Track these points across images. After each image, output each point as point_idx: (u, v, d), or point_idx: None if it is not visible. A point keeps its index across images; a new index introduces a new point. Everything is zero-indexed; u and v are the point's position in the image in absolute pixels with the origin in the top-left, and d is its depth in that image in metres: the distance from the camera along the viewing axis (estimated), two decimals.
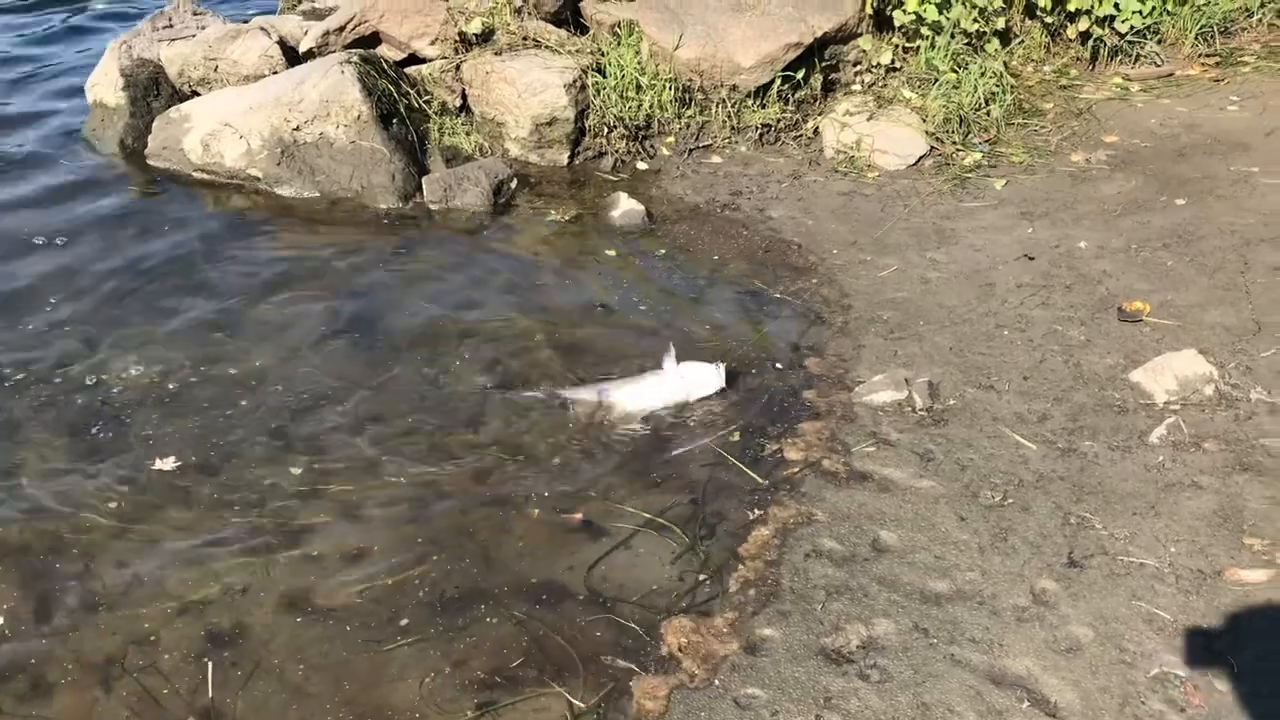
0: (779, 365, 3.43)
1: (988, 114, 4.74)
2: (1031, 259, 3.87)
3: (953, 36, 4.96)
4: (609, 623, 2.48)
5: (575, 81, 4.84)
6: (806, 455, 3.02)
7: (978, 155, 4.60)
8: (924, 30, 4.93)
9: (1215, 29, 5.19)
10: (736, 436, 3.10)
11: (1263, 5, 5.32)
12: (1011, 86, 4.98)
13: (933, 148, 4.64)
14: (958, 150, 4.63)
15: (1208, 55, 5.15)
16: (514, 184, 4.63)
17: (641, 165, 4.87)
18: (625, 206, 4.42)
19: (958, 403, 3.20)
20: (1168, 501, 2.74)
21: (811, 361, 3.44)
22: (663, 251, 4.13)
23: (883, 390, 3.28)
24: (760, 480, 2.91)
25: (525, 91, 4.82)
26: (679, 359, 3.25)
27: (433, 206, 4.52)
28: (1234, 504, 2.70)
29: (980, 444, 3.02)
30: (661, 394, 3.23)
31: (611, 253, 4.13)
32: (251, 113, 4.72)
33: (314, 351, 3.49)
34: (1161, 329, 3.41)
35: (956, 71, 4.82)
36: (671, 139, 4.98)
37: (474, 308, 3.73)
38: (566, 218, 4.38)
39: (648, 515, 2.79)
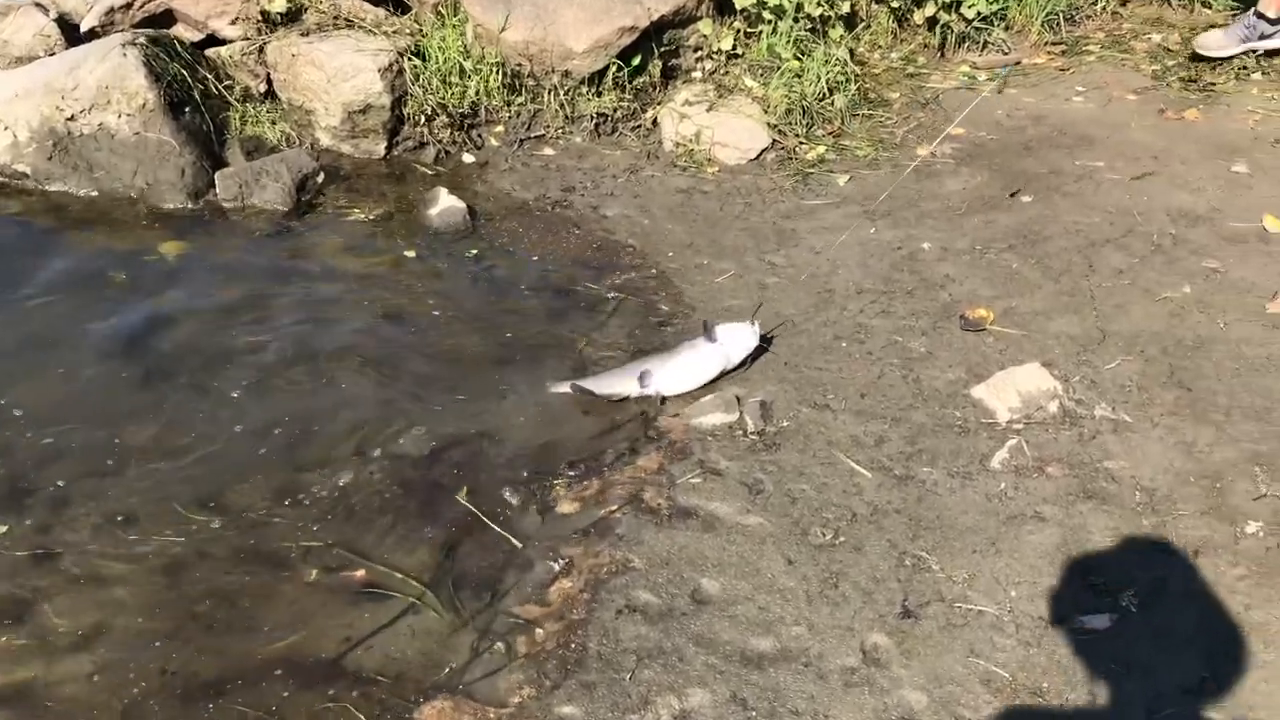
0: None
1: (831, 104, 4.49)
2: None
3: (796, 21, 4.70)
4: (371, 706, 2.12)
5: (392, 65, 4.43)
6: (628, 489, 2.71)
7: (821, 149, 4.35)
8: (766, 14, 4.66)
9: (1061, 16, 5.05)
10: (557, 473, 2.77)
11: None
12: (857, 75, 4.76)
13: (775, 140, 4.38)
14: (801, 143, 4.37)
15: (1054, 43, 5.02)
16: (321, 178, 4.20)
17: (468, 157, 4.48)
18: (444, 204, 4.04)
19: (791, 424, 2.94)
20: (1009, 537, 2.52)
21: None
22: (474, 253, 3.77)
23: (713, 412, 3.00)
24: (567, 524, 2.59)
25: (335, 76, 4.38)
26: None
27: (226, 205, 4.06)
28: (1077, 537, 2.50)
29: (813, 472, 2.76)
30: (707, 367, 3.05)
31: (411, 254, 3.74)
32: (18, 100, 4.17)
33: (67, 379, 3.03)
34: (1005, 339, 3.20)
35: (800, 59, 4.57)
36: (501, 128, 4.61)
37: (259, 325, 3.31)
38: (374, 216, 3.98)
39: (433, 573, 2.44)
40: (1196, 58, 4.76)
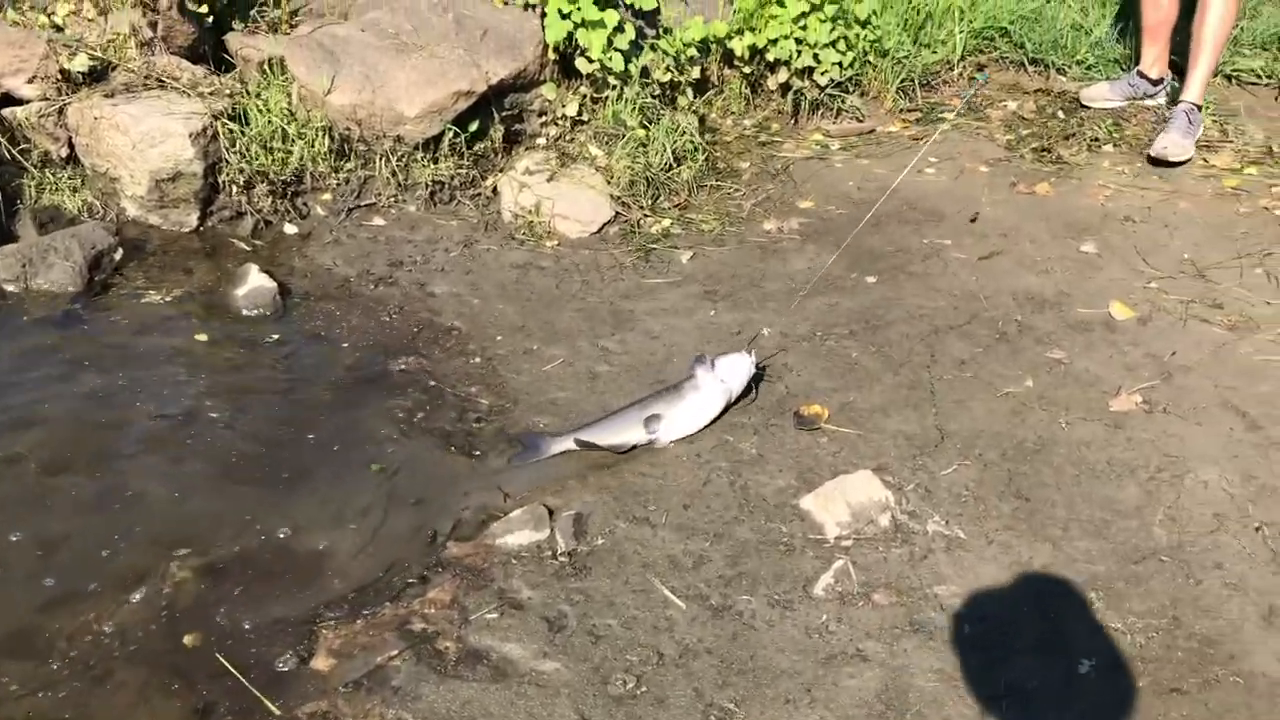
0: (414, 500, 2.81)
1: (678, 175, 4.29)
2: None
3: (645, 86, 4.50)
4: None
5: (205, 129, 4.10)
6: (415, 628, 2.40)
7: (666, 222, 4.13)
8: (611, 80, 4.44)
9: (916, 82, 4.94)
10: (334, 611, 2.45)
11: (963, 59, 5.12)
12: (709, 143, 4.56)
13: (619, 213, 4.15)
14: (646, 216, 4.15)
15: (910, 110, 4.90)
16: (119, 255, 3.83)
17: (289, 228, 4.16)
18: (253, 283, 3.71)
19: (606, 542, 2.67)
20: (826, 681, 2.28)
21: (448, 500, 2.83)
22: (276, 338, 3.45)
23: (520, 530, 2.72)
24: (337, 674, 2.28)
25: (142, 141, 4.03)
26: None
27: (8, 288, 3.65)
28: (900, 682, 2.27)
29: (623, 602, 2.49)
30: (713, 406, 2.96)
31: (203, 339, 3.40)
32: None
33: None
34: (840, 439, 2.99)
35: (646, 127, 4.35)
36: (328, 196, 4.30)
37: (19, 427, 2.93)
38: (173, 297, 3.63)
39: None
40: (1082, 106, 4.84)
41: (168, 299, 3.62)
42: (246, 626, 2.39)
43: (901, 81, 4.89)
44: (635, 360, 3.39)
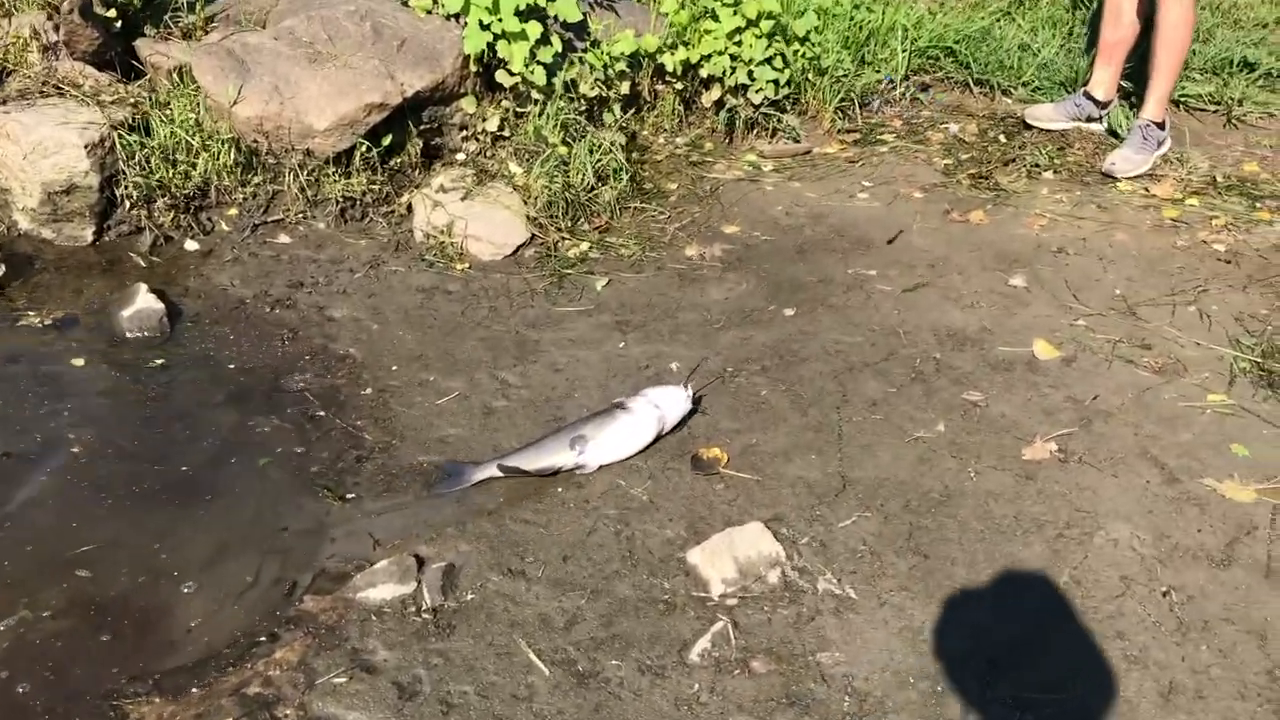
0: (277, 547, 2.63)
1: (600, 196, 4.11)
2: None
3: (573, 100, 4.32)
4: None
5: (103, 140, 3.91)
6: (256, 694, 2.22)
7: (584, 246, 3.96)
8: (535, 94, 4.27)
9: (856, 102, 4.79)
10: (159, 681, 2.26)
11: (906, 79, 4.96)
12: (637, 162, 4.40)
13: (535, 235, 3.97)
14: (564, 239, 3.97)
15: (848, 130, 4.74)
16: (0, 272, 3.62)
17: (191, 244, 3.97)
18: (140, 305, 3.51)
19: (477, 597, 2.50)
20: None
21: (312, 546, 2.65)
22: (160, 362, 3.27)
23: (384, 583, 2.54)
24: None
25: (34, 152, 3.83)
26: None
27: None
28: None
29: (484, 667, 2.31)
30: (644, 433, 2.84)
31: (80, 364, 3.21)
32: None
33: None
34: (738, 485, 2.82)
35: (570, 144, 4.18)
36: (234, 211, 4.11)
37: None
38: (53, 320, 3.43)
39: None
40: (1025, 126, 4.71)
41: (48, 321, 3.43)
42: (60, 693, 2.20)
43: (840, 101, 4.72)
44: (534, 395, 3.21)
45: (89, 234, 3.95)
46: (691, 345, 3.41)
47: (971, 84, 5.12)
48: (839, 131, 4.74)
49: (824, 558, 2.60)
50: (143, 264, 3.85)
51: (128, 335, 3.45)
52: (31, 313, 3.46)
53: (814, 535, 2.66)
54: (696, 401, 3.08)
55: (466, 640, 2.39)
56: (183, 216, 4.06)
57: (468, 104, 4.32)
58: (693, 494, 2.81)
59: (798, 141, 4.65)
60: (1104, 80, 4.62)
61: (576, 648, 2.37)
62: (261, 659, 2.34)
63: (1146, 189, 4.30)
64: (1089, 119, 4.68)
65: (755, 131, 4.68)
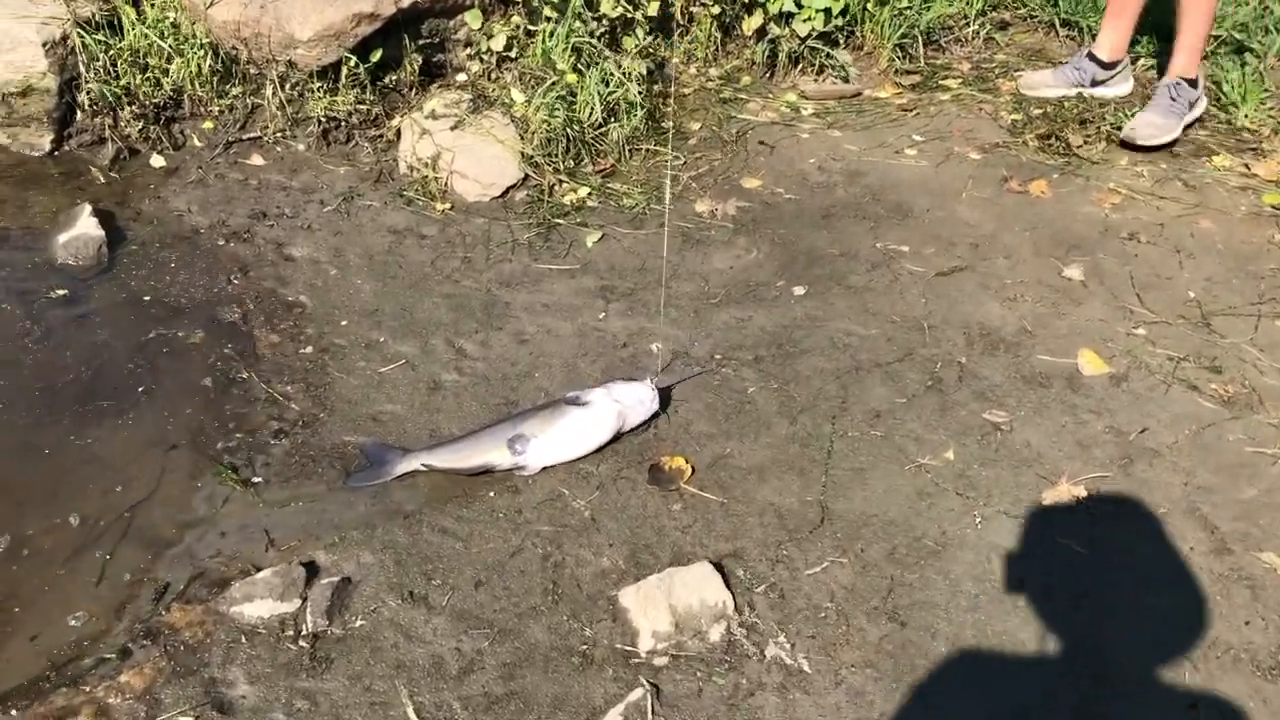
0: (154, 538, 2.29)
1: (609, 134, 3.62)
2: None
3: (597, 20, 3.81)
4: None
5: (64, 39, 3.53)
6: None
7: (583, 192, 3.49)
8: (548, 11, 3.76)
9: (920, 39, 4.18)
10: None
11: (982, 15, 4.33)
12: (658, 95, 3.89)
13: (528, 175, 3.51)
14: (561, 182, 3.51)
15: (909, 72, 4.15)
16: None
17: (157, 160, 3.60)
18: (78, 230, 3.18)
19: (366, 624, 2.13)
20: None
21: (195, 538, 2.31)
22: (63, 293, 2.94)
23: (264, 597, 2.19)
24: None
25: None
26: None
27: None
28: None
29: (352, 718, 1.95)
30: (598, 432, 2.45)
31: None
32: None
33: None
34: (698, 507, 2.40)
35: (580, 72, 3.68)
36: (209, 125, 3.72)
37: None
38: None
39: None
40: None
41: None
42: None
43: (901, 37, 4.12)
44: (490, 370, 2.81)
45: (46, 142, 3.60)
46: (680, 323, 2.96)
47: (1057, 24, 4.46)
48: (896, 73, 4.15)
49: (780, 614, 2.17)
50: (101, 179, 3.51)
51: (58, 261, 3.12)
52: None
53: (774, 582, 2.23)
54: (666, 398, 2.64)
55: (341, 681, 2.03)
56: (152, 128, 3.69)
57: (472, 18, 3.84)
58: (643, 513, 2.39)
59: (846, 81, 4.09)
60: (1110, 40, 3.93)
61: (465, 706, 1.99)
62: (103, 681, 2.00)
63: (1248, 166, 3.66)
64: (1093, 83, 3.99)
65: (800, 67, 4.13)
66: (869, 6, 4.13)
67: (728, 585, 2.20)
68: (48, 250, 3.14)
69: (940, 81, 4.15)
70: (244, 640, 2.10)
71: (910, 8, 4.14)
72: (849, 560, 2.29)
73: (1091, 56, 3.93)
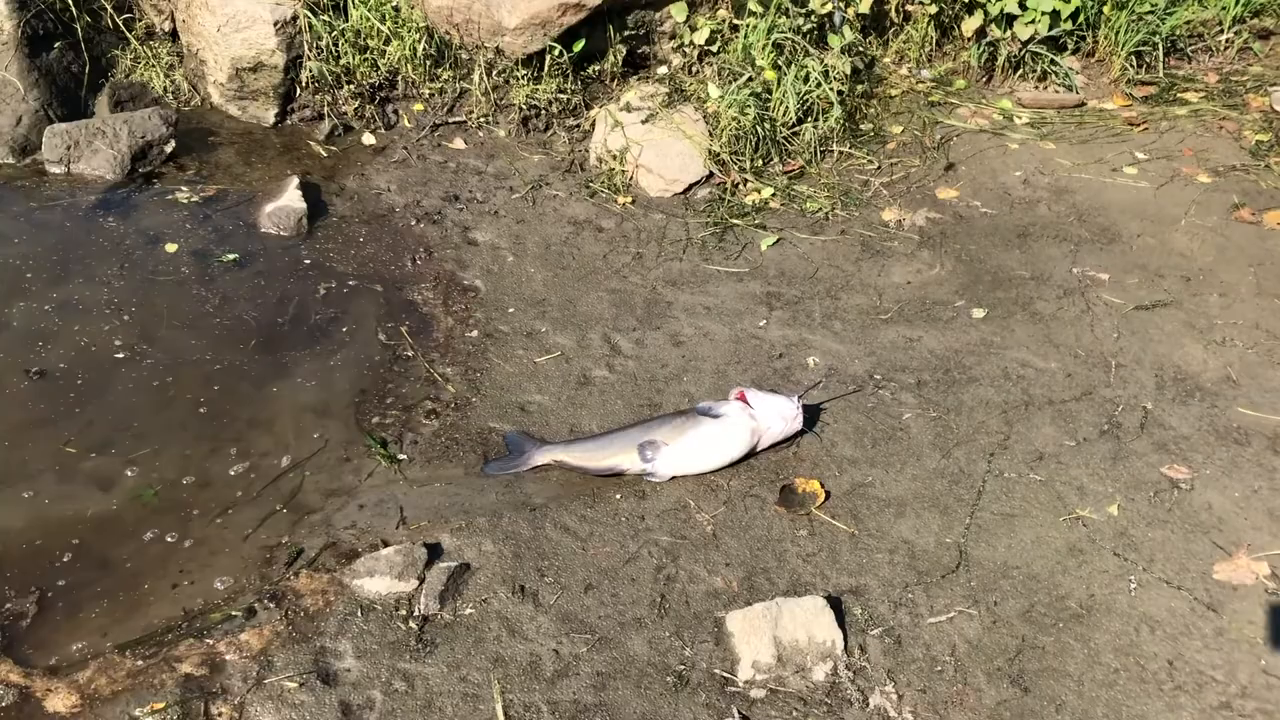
0: (297, 504, 2.42)
1: (802, 134, 3.52)
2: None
3: (806, 15, 3.71)
4: None
5: (294, 18, 3.76)
6: (198, 683, 2.02)
7: (768, 192, 3.41)
8: (754, 5, 3.69)
9: (1162, 46, 3.83)
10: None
11: (1239, 21, 3.92)
12: (862, 96, 3.74)
13: (712, 173, 3.46)
14: (745, 181, 3.44)
15: (1143, 83, 3.82)
16: (169, 147, 3.60)
17: (368, 138, 3.79)
18: (283, 200, 3.38)
19: (476, 613, 2.17)
20: None
21: (336, 508, 2.41)
22: (234, 257, 3.12)
23: (384, 574, 2.26)
24: None
25: (227, 25, 3.76)
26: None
27: (51, 169, 3.51)
28: None
29: (443, 706, 2.01)
30: (731, 447, 2.43)
31: (172, 250, 3.11)
32: None
33: None
34: (825, 535, 2.30)
35: (779, 69, 3.60)
36: (420, 107, 3.87)
37: None
38: (199, 199, 3.36)
39: None
40: None
41: (195, 198, 3.36)
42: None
43: (1138, 44, 3.79)
44: (641, 369, 2.79)
45: (271, 115, 3.85)
46: (844, 337, 2.84)
47: None
48: (1128, 83, 3.82)
49: (893, 661, 2.04)
50: (323, 153, 3.72)
51: (260, 229, 3.33)
52: (185, 189, 3.40)
53: (891, 626, 2.11)
54: (814, 416, 2.54)
55: (440, 667, 2.07)
56: (367, 107, 3.87)
57: (678, 10, 3.81)
58: (767, 535, 2.31)
59: (1070, 90, 3.79)
60: None
61: (552, 710, 1.99)
62: (225, 637, 2.12)
63: None
64: None
65: (1020, 73, 3.87)
66: (1104, 10, 3.81)
67: (841, 623, 2.09)
68: (254, 217, 3.35)
69: (1178, 94, 3.79)
70: (359, 614, 2.17)
71: (1152, 11, 3.79)
72: (979, 613, 2.13)
73: None
